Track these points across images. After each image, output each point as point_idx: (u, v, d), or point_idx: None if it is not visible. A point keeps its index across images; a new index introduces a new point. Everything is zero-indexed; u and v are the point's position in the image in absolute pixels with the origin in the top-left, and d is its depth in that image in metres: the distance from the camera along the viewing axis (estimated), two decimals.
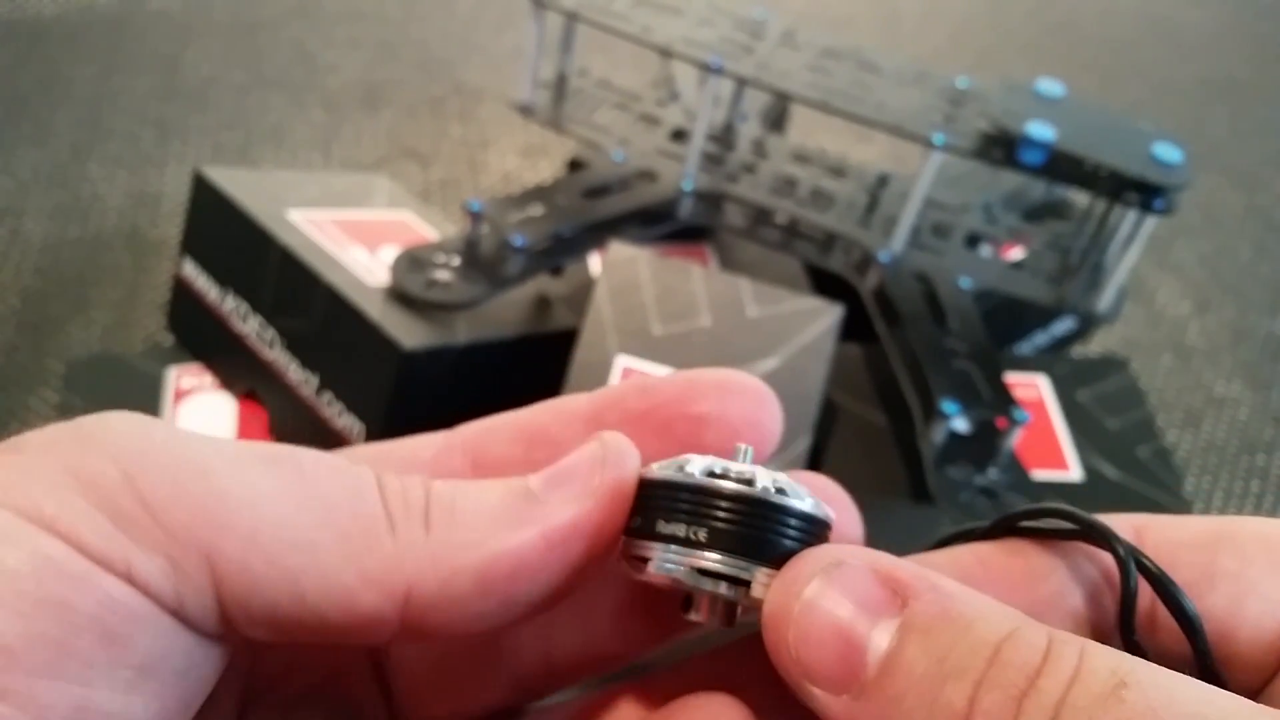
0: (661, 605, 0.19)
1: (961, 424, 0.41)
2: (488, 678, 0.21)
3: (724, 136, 0.51)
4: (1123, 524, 0.17)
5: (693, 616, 0.17)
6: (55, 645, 0.13)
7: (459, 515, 0.16)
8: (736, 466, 0.17)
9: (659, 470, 0.17)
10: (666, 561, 0.16)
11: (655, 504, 0.17)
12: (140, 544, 0.14)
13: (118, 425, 0.15)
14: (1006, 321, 0.51)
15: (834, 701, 0.15)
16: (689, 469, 0.17)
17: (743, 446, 0.17)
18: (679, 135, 0.51)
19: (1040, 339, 0.54)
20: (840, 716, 0.15)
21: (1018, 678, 0.13)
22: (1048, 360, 0.50)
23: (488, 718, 0.21)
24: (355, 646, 0.20)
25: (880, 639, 0.15)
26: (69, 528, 0.14)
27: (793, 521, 0.16)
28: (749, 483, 0.16)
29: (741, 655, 0.19)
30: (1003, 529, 0.18)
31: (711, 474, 0.17)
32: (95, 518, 0.14)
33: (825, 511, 0.17)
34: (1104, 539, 0.16)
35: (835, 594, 0.15)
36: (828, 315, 0.41)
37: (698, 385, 0.20)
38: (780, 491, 0.16)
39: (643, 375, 0.20)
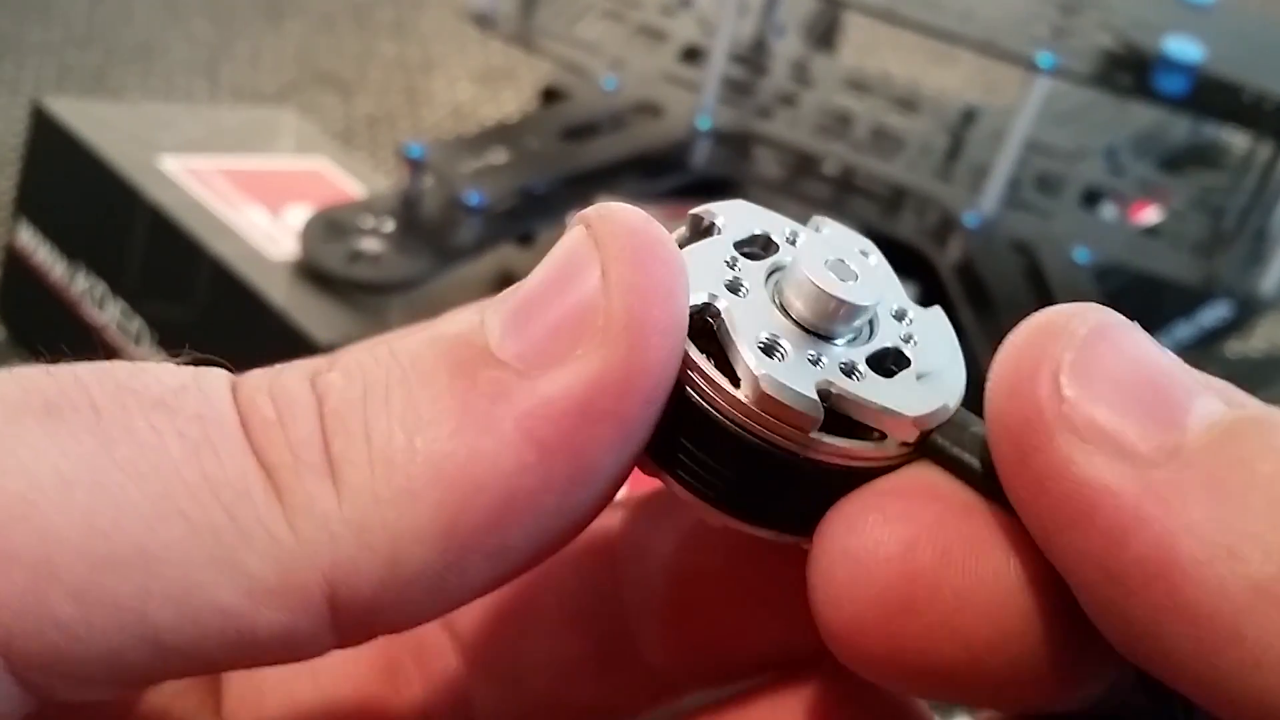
0: None
1: None
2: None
3: (753, 56, 0.51)
4: None
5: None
6: None
7: (378, 441, 0.14)
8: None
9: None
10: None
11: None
12: None
13: None
14: (1138, 307, 0.51)
15: (1125, 472, 0.14)
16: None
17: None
18: (692, 55, 0.51)
19: (1184, 331, 0.54)
20: (1129, 494, 0.14)
21: None
22: (1194, 360, 0.50)
23: None
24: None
25: (1207, 406, 0.15)
26: None
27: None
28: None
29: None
30: None
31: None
32: None
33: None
34: None
35: (1135, 339, 0.15)
36: None
37: None
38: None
39: None
